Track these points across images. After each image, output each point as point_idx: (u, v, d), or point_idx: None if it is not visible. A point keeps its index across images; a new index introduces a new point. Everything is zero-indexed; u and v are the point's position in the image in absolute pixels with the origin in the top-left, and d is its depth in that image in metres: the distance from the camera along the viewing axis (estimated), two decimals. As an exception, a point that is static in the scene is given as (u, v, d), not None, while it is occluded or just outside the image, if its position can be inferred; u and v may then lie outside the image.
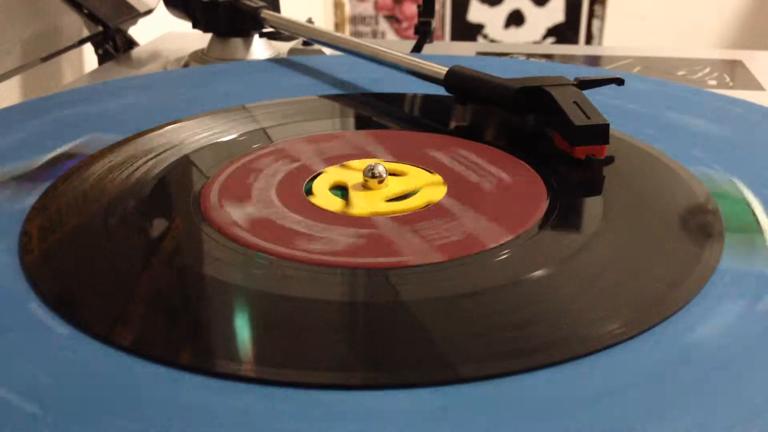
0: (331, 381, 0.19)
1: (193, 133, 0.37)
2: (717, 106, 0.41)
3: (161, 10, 0.64)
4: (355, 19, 1.82)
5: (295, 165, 0.33)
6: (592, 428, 0.18)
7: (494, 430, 0.18)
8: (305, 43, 0.58)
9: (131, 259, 0.26)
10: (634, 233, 0.27)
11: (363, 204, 0.30)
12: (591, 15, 1.74)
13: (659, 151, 0.34)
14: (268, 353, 0.21)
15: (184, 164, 0.33)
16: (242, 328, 0.22)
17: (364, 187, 0.31)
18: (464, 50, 0.68)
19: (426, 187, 0.31)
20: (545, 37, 1.77)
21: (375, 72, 0.46)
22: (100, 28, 0.62)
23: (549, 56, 0.66)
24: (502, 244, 0.26)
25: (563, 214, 0.29)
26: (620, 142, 0.35)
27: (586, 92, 0.34)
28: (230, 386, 0.19)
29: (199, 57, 0.59)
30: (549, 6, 1.75)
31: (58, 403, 0.18)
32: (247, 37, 0.59)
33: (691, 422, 0.18)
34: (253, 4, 0.56)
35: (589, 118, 0.33)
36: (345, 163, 0.33)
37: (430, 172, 0.32)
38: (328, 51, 0.57)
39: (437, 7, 1.73)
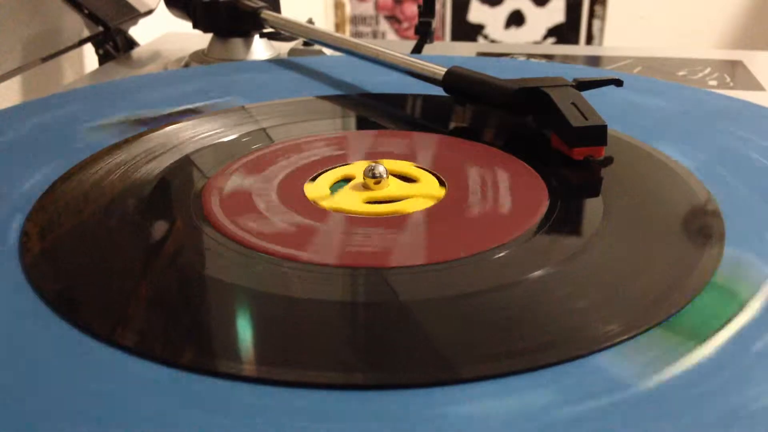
0: (331, 381, 0.19)
1: (193, 133, 0.37)
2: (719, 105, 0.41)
3: (161, 10, 0.64)
4: (356, 20, 1.82)
5: (295, 165, 0.33)
6: (591, 428, 0.18)
7: (495, 431, 0.18)
8: (305, 44, 0.58)
9: (131, 259, 0.26)
10: (634, 234, 0.27)
11: (341, 201, 0.30)
12: (591, 15, 1.74)
13: (659, 151, 0.34)
14: (268, 353, 0.21)
15: (185, 164, 0.33)
16: (242, 328, 0.22)
17: (364, 186, 0.31)
18: (464, 50, 0.68)
19: (416, 197, 0.30)
20: (545, 37, 1.77)
21: (375, 72, 0.46)
22: (101, 29, 0.62)
23: (549, 56, 0.66)
24: (502, 245, 0.26)
25: (563, 215, 0.29)
26: (619, 142, 0.35)
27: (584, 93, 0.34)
28: (229, 386, 0.19)
29: (199, 57, 0.59)
30: (549, 6, 1.75)
31: (57, 403, 0.18)
32: (247, 37, 0.59)
33: (690, 422, 0.18)
34: (253, 5, 0.56)
35: (587, 119, 0.33)
36: (378, 160, 0.33)
37: (441, 181, 0.32)
38: (328, 51, 0.57)
39: (437, 7, 1.73)
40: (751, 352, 0.20)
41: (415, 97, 0.44)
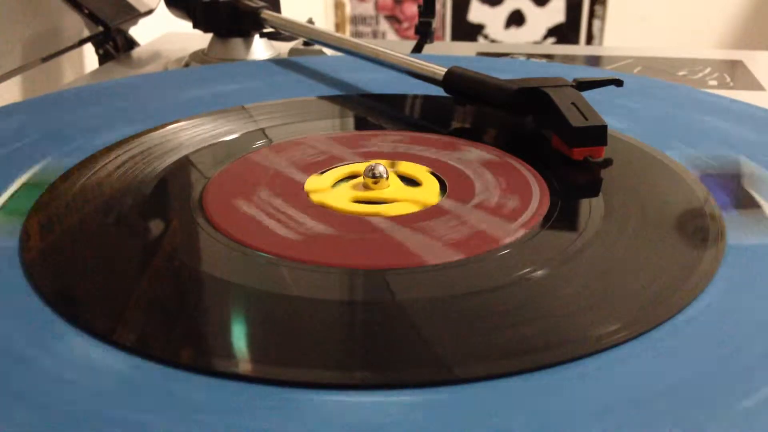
0: (331, 381, 0.19)
1: (193, 134, 0.37)
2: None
3: (161, 10, 0.64)
4: (356, 20, 1.82)
5: (295, 165, 0.33)
6: (590, 429, 0.18)
7: (493, 431, 0.18)
8: (306, 44, 0.58)
9: (131, 259, 0.26)
10: (634, 234, 0.27)
11: (330, 197, 0.30)
12: (591, 15, 1.74)
13: (659, 151, 0.34)
14: (268, 353, 0.21)
15: (184, 164, 0.33)
16: (241, 328, 0.22)
17: (364, 186, 0.31)
18: (465, 50, 0.68)
19: (403, 202, 0.30)
20: (546, 37, 1.78)
21: (375, 72, 0.46)
22: (101, 29, 0.62)
23: (549, 56, 0.66)
24: (501, 245, 0.26)
25: (563, 215, 0.29)
26: (619, 142, 0.35)
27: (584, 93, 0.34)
28: (229, 385, 0.19)
29: (199, 57, 0.59)
30: (549, 6, 1.75)
31: (57, 403, 0.18)
32: (247, 37, 0.59)
33: (689, 423, 0.18)
34: (253, 5, 0.56)
35: (587, 119, 0.33)
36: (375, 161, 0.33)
37: (443, 184, 0.32)
38: (328, 51, 0.57)
39: (438, 7, 1.73)
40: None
41: (415, 97, 0.44)
